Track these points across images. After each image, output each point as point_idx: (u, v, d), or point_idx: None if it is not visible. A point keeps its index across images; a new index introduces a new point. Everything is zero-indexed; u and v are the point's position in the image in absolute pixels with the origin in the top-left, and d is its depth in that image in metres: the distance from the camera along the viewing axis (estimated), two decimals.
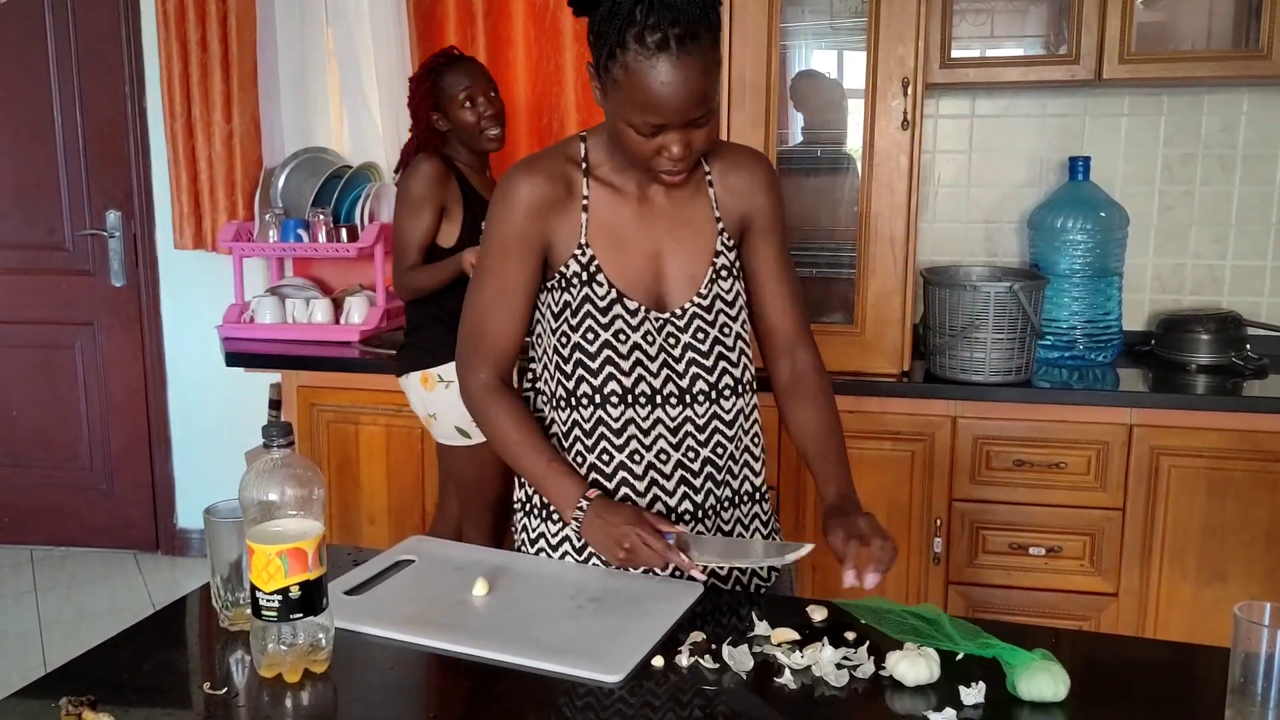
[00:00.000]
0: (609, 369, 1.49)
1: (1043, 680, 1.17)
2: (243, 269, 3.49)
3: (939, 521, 2.80)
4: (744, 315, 1.57)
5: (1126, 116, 3.12)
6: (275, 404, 3.73)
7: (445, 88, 2.75)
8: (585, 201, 1.49)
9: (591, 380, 1.49)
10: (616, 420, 1.50)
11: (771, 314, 1.60)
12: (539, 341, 1.55)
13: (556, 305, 1.50)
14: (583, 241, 1.49)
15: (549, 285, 1.51)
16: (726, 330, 1.54)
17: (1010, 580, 2.82)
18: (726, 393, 1.54)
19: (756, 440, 1.60)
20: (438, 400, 2.74)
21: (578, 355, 1.50)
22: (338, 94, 3.57)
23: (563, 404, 1.52)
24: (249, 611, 1.20)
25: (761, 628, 1.34)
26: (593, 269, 1.49)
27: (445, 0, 3.35)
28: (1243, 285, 3.13)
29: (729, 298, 1.55)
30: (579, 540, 1.53)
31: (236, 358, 3.22)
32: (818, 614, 1.38)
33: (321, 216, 3.33)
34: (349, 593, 1.40)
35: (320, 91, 3.57)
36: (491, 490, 2.81)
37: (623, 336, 1.49)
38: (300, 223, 3.36)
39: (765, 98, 2.74)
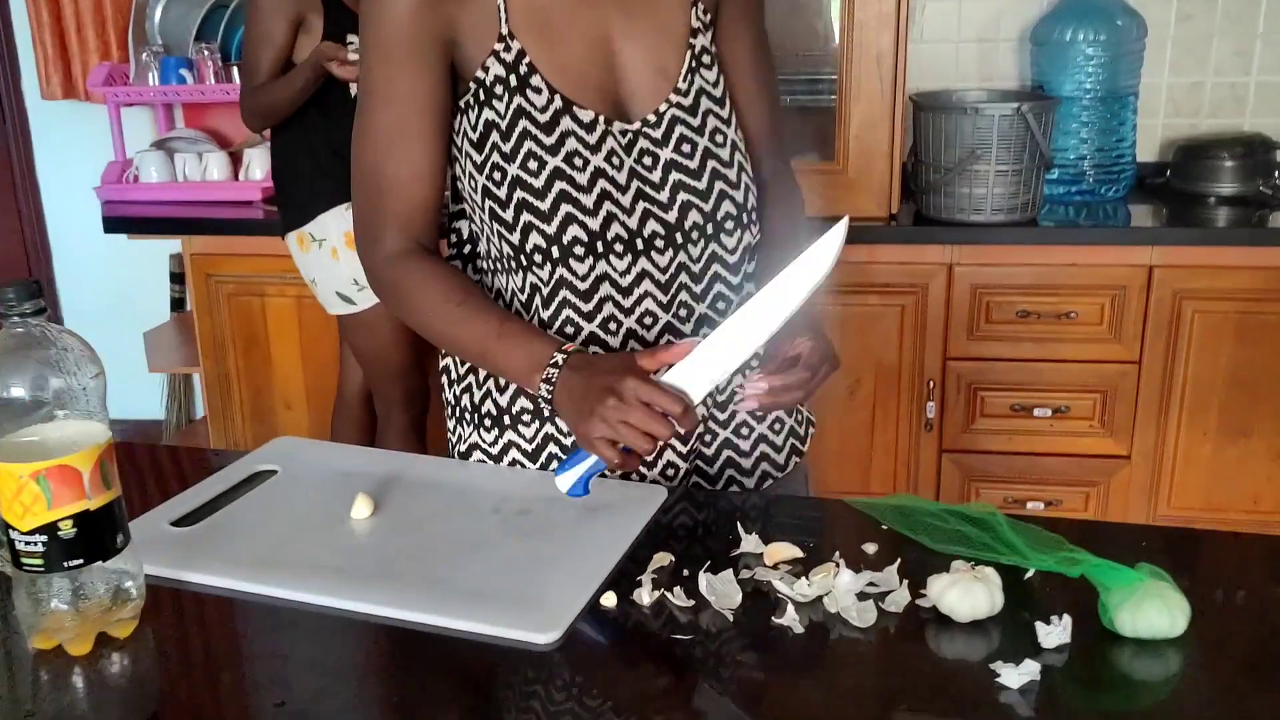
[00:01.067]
0: (566, 208, 1.08)
1: (1153, 610, 0.83)
2: (121, 120, 2.99)
3: (932, 383, 2.46)
4: (735, 120, 1.17)
5: None
6: (177, 277, 3.30)
7: None
8: None
9: (544, 227, 1.08)
10: (585, 278, 1.10)
11: (747, 118, 1.20)
12: (462, 188, 1.14)
13: (477, 128, 1.09)
14: (504, 31, 1.06)
15: (464, 104, 1.10)
16: (720, 138, 1.14)
17: (1011, 446, 2.51)
18: (729, 225, 1.14)
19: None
20: (314, 263, 2.33)
21: (520, 194, 1.08)
22: None
23: (511, 265, 1.12)
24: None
25: (750, 543, 0.98)
26: (523, 69, 1.07)
27: None
28: (1267, 105, 2.75)
29: (716, 93, 1.14)
30: (532, 443, 1.15)
31: (118, 223, 2.77)
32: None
33: (207, 53, 2.83)
34: (176, 523, 1.02)
35: None
36: (394, 358, 2.41)
37: (579, 161, 1.08)
38: (183, 61, 2.87)
39: None
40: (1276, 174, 2.57)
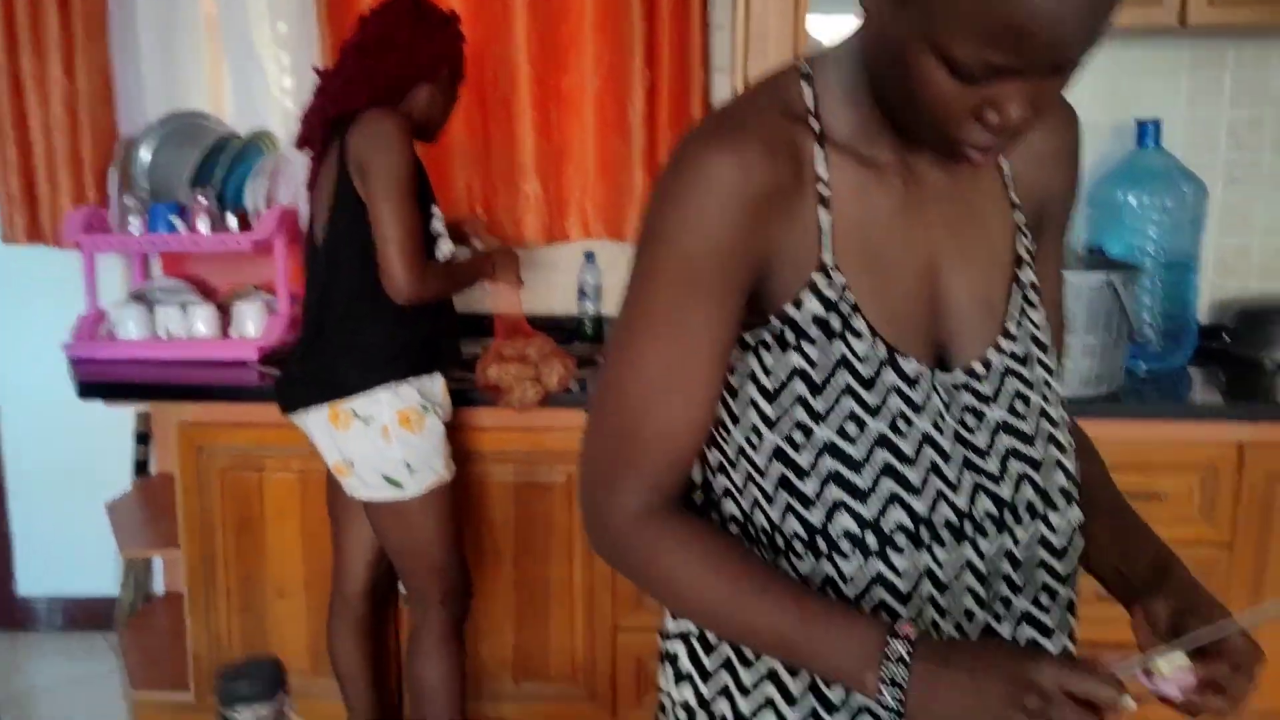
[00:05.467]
0: (889, 485, 0.85)
1: None
2: (95, 269, 2.70)
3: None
4: (1059, 368, 0.98)
5: (1187, 70, 2.64)
6: (143, 437, 2.96)
7: (456, 54, 2.09)
8: (824, 191, 0.86)
9: (859, 509, 0.85)
10: (904, 574, 0.87)
11: None
12: (726, 439, 0.91)
13: (774, 374, 0.87)
14: (826, 260, 0.86)
15: (756, 342, 0.88)
16: (1050, 394, 0.94)
17: (1098, 635, 2.29)
18: (1059, 500, 0.92)
19: (1079, 575, 0.98)
20: (354, 443, 2.03)
21: (831, 464, 0.85)
22: (216, 42, 2.81)
23: (798, 549, 0.88)
24: None
25: None
26: (845, 308, 0.86)
27: None
28: None
29: (1044, 338, 0.95)
30: None
31: (93, 388, 2.45)
32: None
33: (203, 200, 2.57)
34: None
35: (193, 39, 2.80)
36: (435, 552, 2.11)
37: (903, 424, 0.86)
38: (173, 207, 2.60)
39: None
40: None
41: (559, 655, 2.45)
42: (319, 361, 2.05)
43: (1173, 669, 0.79)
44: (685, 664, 0.95)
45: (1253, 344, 2.53)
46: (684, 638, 0.95)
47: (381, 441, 2.00)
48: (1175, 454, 2.23)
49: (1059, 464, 0.91)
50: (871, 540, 0.85)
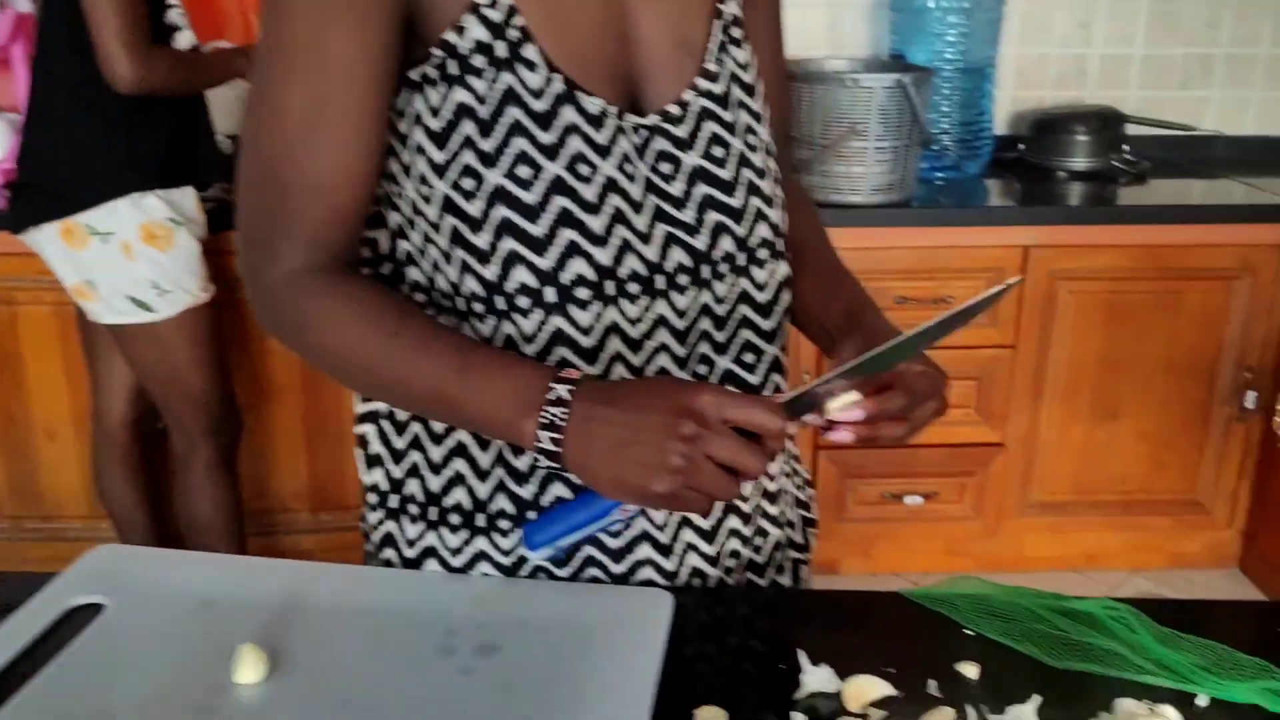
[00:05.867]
0: (568, 235, 0.77)
1: None
2: None
3: (806, 375, 2.28)
4: (768, 112, 0.90)
5: None
6: None
7: None
8: None
9: (536, 260, 0.78)
10: (588, 330, 0.79)
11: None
12: (399, 192, 0.81)
13: (441, 113, 0.77)
14: None
15: (419, 78, 0.77)
16: (754, 139, 0.86)
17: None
18: (762, 254, 0.86)
19: (786, 333, 0.93)
20: (93, 261, 1.86)
21: (503, 212, 0.77)
22: None
23: (477, 308, 0.80)
24: None
25: (818, 678, 0.72)
26: (514, 34, 0.76)
27: None
28: (1108, 77, 2.72)
29: (748, 79, 0.87)
30: (510, 555, 0.84)
31: None
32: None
33: None
34: None
35: None
36: (194, 379, 1.96)
37: (585, 168, 0.78)
38: None
39: None
40: (1125, 147, 2.55)
41: (356, 483, 2.37)
42: (45, 172, 1.85)
43: (841, 403, 0.75)
44: (375, 446, 0.88)
45: (1047, 152, 2.56)
46: (372, 418, 0.88)
47: (124, 259, 1.84)
48: (963, 259, 2.26)
49: (761, 215, 0.85)
50: (550, 294, 0.78)
